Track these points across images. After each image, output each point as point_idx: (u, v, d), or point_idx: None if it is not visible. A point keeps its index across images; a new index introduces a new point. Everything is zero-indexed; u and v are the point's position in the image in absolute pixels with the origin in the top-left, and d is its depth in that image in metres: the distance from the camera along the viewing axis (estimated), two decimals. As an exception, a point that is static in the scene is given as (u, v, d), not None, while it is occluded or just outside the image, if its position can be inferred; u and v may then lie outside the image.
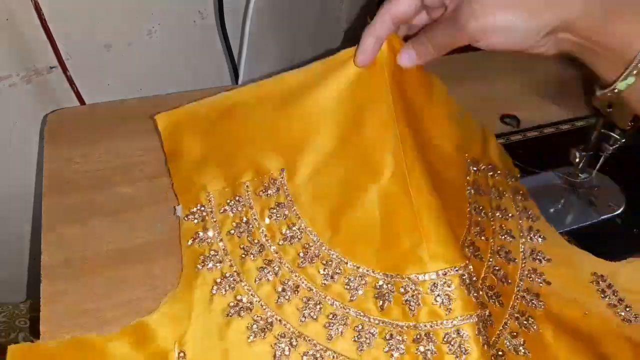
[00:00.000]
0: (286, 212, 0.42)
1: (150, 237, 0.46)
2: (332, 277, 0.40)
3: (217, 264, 0.40)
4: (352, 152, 0.42)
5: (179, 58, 0.87)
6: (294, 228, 0.41)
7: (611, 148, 0.54)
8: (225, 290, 0.39)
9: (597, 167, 0.56)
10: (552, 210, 0.54)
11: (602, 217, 0.54)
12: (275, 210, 0.42)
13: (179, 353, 0.36)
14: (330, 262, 0.40)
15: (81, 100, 0.74)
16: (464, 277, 0.37)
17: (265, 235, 0.41)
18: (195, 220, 0.43)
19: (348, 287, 0.39)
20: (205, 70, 0.93)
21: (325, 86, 0.42)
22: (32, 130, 0.75)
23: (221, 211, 0.43)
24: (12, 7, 0.64)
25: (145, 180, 0.52)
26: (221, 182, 0.44)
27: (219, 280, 0.39)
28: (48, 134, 0.56)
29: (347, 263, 0.40)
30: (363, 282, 0.39)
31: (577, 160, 0.56)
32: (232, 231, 0.42)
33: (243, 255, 0.41)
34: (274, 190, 0.43)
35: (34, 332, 0.69)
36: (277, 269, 0.40)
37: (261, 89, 0.44)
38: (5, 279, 0.87)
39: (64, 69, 0.70)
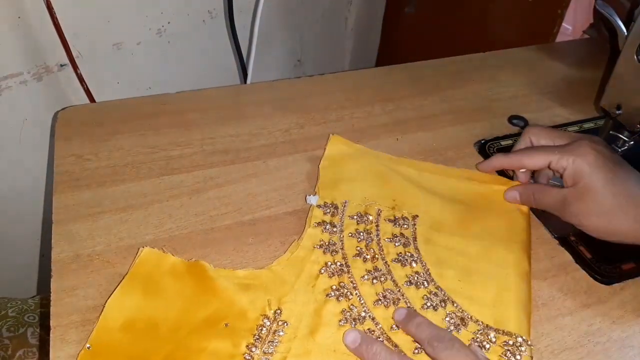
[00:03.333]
0: (407, 244, 0.47)
1: (159, 234, 0.47)
2: (434, 308, 0.42)
3: (333, 252, 0.45)
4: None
5: (188, 57, 0.88)
6: (409, 255, 0.46)
7: (620, 150, 0.54)
8: (332, 275, 0.44)
9: (605, 169, 0.55)
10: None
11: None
12: (397, 237, 0.47)
13: (276, 310, 0.41)
14: (436, 294, 0.43)
15: (91, 98, 0.74)
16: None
17: (382, 249, 0.46)
18: (326, 212, 0.49)
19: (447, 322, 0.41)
20: (214, 69, 0.93)
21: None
22: (42, 127, 0.75)
23: (350, 217, 0.48)
24: (24, 5, 0.65)
25: (154, 178, 0.52)
26: (360, 199, 0.50)
27: (329, 263, 0.44)
28: (58, 131, 0.57)
29: (453, 303, 0.42)
30: (464, 324, 0.41)
31: (585, 161, 0.55)
32: (352, 234, 0.47)
33: (356, 255, 0.45)
34: (401, 223, 0.48)
35: (44, 327, 0.70)
36: (383, 279, 0.44)
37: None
38: (16, 274, 0.88)
39: (75, 67, 0.71)
